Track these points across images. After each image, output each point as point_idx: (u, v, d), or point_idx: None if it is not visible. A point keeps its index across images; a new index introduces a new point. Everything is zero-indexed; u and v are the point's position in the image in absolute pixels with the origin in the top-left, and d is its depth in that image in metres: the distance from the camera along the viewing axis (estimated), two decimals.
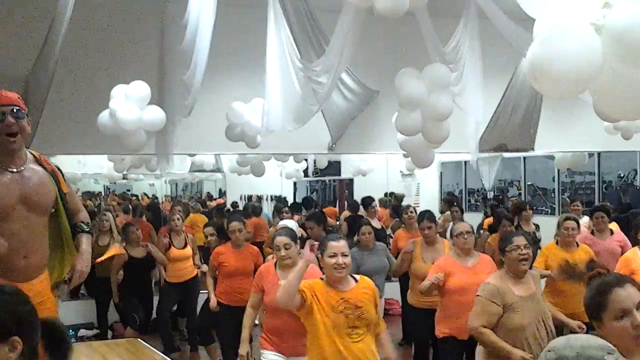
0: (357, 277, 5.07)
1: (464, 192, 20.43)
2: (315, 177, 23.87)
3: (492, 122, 10.94)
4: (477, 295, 5.32)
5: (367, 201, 12.54)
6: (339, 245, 4.86)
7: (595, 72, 4.12)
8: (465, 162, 19.47)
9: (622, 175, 18.70)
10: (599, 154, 16.56)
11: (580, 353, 2.09)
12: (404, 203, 15.88)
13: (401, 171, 19.60)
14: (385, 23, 9.60)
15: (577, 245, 7.86)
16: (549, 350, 2.15)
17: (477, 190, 20.51)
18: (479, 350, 5.42)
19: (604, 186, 18.19)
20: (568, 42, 4.08)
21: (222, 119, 9.93)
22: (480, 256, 6.86)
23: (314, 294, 4.82)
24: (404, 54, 10.32)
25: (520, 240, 5.32)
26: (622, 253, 8.06)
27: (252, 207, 15.69)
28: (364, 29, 7.80)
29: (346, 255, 4.85)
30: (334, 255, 4.80)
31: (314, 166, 20.72)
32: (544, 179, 19.40)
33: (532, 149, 11.90)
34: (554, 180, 18.19)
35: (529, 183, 19.57)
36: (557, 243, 7.93)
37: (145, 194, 19.76)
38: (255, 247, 8.85)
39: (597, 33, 4.10)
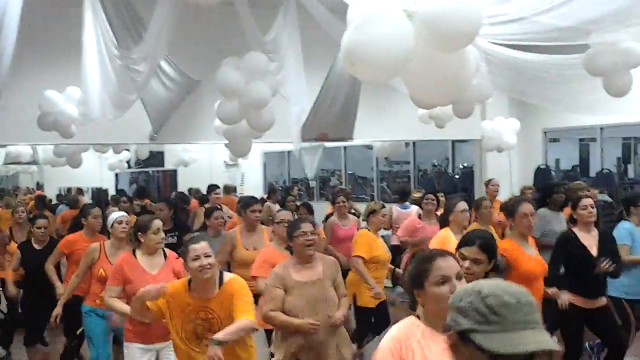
0: (227, 277, 4.94)
1: (287, 181, 20.68)
2: (138, 168, 23.40)
3: (312, 111, 11.11)
4: (266, 284, 5.44)
5: (212, 188, 12.53)
6: (201, 246, 4.76)
7: (407, 57, 4.27)
8: (289, 152, 19.74)
9: (436, 164, 19.60)
10: (414, 143, 17.24)
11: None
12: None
13: (225, 161, 19.59)
14: (206, 12, 9.51)
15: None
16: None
17: (301, 180, 20.84)
18: (274, 335, 5.52)
19: (419, 174, 18.97)
20: (380, 28, 4.21)
21: (35, 108, 9.51)
22: None
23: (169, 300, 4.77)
24: (226, 43, 10.29)
25: (307, 227, 5.42)
26: None
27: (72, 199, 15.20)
28: (185, 17, 7.71)
29: (209, 256, 4.77)
30: (197, 258, 4.72)
31: (136, 157, 20.27)
32: (363, 168, 19.98)
33: (351, 138, 12.20)
34: (373, 169, 18.76)
35: (350, 172, 20.10)
36: (368, 229, 8.15)
37: None
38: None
39: (409, 19, 4.24)
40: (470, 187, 15.55)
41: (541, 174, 14.38)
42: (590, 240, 6.56)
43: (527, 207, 5.95)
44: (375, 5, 4.35)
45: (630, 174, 16.32)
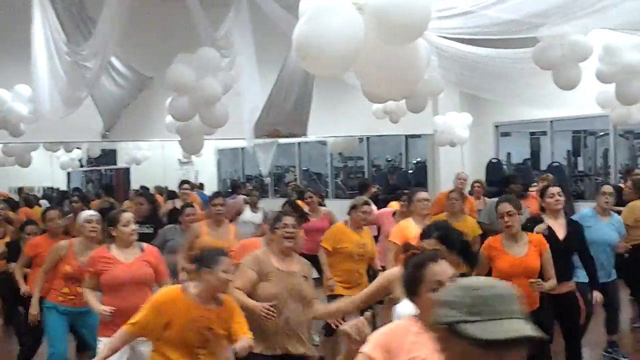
0: (223, 296, 4.90)
1: (241, 178, 20.62)
2: (90, 166, 23.12)
3: (266, 108, 11.10)
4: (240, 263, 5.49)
5: (181, 183, 12.69)
6: (227, 260, 4.77)
7: (358, 50, 4.29)
8: (243, 148, 19.67)
9: (389, 159, 19.71)
10: (368, 138, 17.31)
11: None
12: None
13: (179, 159, 19.45)
14: (158, 8, 9.46)
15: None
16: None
17: (255, 177, 20.80)
18: None
19: (373, 170, 19.06)
20: (331, 21, 4.23)
21: None
22: None
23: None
24: (178, 39, 10.22)
25: (289, 220, 5.51)
26: None
27: (26, 198, 15.09)
28: (136, 13, 7.65)
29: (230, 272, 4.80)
30: (227, 272, 4.73)
31: (87, 155, 20.03)
32: (318, 164, 20.02)
33: (305, 134, 12.20)
34: (327, 165, 18.79)
35: (305, 168, 20.11)
36: (345, 224, 8.23)
37: None
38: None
39: (359, 12, 4.27)
40: (423, 181, 15.66)
41: (493, 167, 14.56)
42: (557, 226, 6.68)
43: (504, 207, 6.09)
44: None
45: (580, 166, 16.59)
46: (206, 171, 20.37)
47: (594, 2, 4.60)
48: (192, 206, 9.05)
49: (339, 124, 13.32)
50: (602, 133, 15.27)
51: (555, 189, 6.79)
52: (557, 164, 14.59)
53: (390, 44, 4.32)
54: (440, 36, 7.80)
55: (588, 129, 16.34)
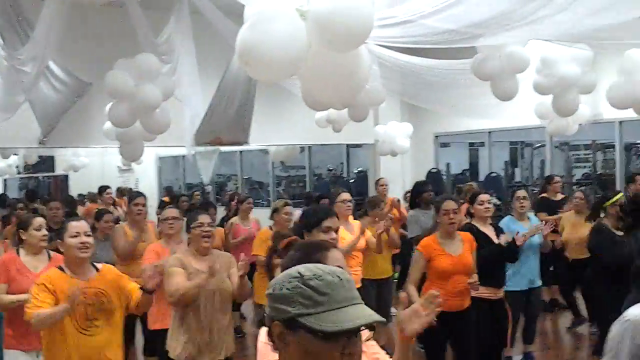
0: (99, 265, 4.89)
1: (182, 187, 20.48)
2: (27, 173, 22.70)
3: (207, 115, 11.04)
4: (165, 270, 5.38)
5: (102, 189, 12.67)
6: (81, 224, 4.72)
7: (301, 56, 4.31)
8: (184, 156, 19.53)
9: (331, 168, 19.80)
10: (309, 147, 17.37)
11: None
12: None
13: (118, 166, 19.25)
14: (98, 13, 9.36)
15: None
16: None
17: (197, 185, 20.68)
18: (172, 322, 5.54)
19: (315, 179, 19.12)
20: (274, 27, 4.25)
21: None
22: None
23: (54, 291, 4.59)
24: (118, 45, 10.13)
25: (204, 218, 5.48)
26: None
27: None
28: (76, 18, 7.56)
29: (89, 235, 4.71)
30: (77, 235, 4.64)
31: (24, 162, 19.66)
32: (260, 172, 19.99)
33: (247, 142, 12.17)
34: (269, 174, 18.79)
35: (246, 177, 20.07)
36: (270, 228, 8.20)
37: None
38: None
39: (302, 19, 4.29)
40: (364, 190, 15.78)
41: (433, 177, 14.72)
42: (488, 231, 6.77)
43: (449, 204, 6.14)
44: (269, 4, 4.38)
45: (518, 177, 16.90)
46: (147, 179, 20.17)
47: (530, 14, 4.70)
48: (110, 212, 8.86)
49: (281, 132, 13.35)
50: (538, 144, 15.59)
51: (485, 197, 6.87)
52: (495, 174, 14.83)
53: (333, 50, 4.36)
54: (381, 45, 7.89)
55: (525, 140, 16.66)
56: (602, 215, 7.14)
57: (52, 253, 5.88)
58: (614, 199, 7.10)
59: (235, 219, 10.13)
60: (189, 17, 8.46)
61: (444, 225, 6.14)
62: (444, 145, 16.38)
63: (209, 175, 18.59)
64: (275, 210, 8.21)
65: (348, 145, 17.02)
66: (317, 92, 4.89)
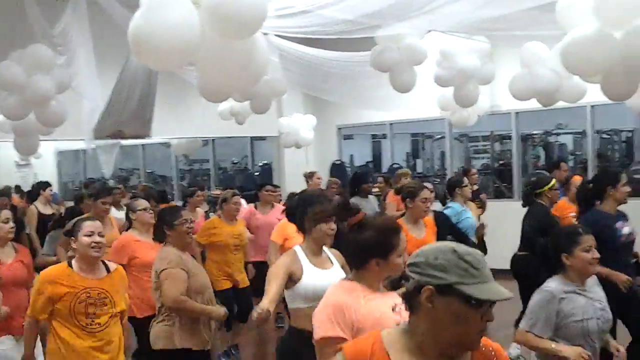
0: (113, 265, 5.00)
1: (83, 181, 20.02)
2: None
3: (107, 108, 10.83)
4: (163, 270, 5.31)
5: (43, 185, 12.34)
6: (96, 225, 4.82)
7: (195, 44, 4.28)
8: (84, 150, 19.11)
9: (235, 161, 19.69)
10: (213, 140, 17.24)
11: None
12: None
13: (16, 161, 18.68)
14: None
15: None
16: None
17: (98, 180, 20.25)
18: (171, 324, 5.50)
19: (220, 172, 18.99)
20: (167, 15, 4.20)
21: None
22: None
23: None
24: (12, 36, 9.79)
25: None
26: None
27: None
28: None
29: (102, 236, 4.81)
30: (91, 234, 4.73)
31: None
32: (163, 166, 19.72)
33: (149, 135, 12.00)
34: (172, 168, 18.56)
35: (149, 171, 19.77)
36: (219, 217, 8.50)
37: None
38: None
39: (196, 6, 4.26)
40: (269, 183, 15.71)
41: (336, 169, 14.85)
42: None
43: (426, 193, 6.50)
44: None
45: (419, 168, 17.19)
46: (45, 173, 19.61)
47: (425, 4, 4.79)
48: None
49: (183, 125, 13.17)
50: (438, 136, 15.90)
51: (427, 193, 6.96)
52: (397, 165, 15.05)
53: (227, 39, 4.33)
54: (281, 36, 7.91)
55: (426, 132, 16.97)
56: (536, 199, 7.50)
57: (17, 245, 6.00)
58: (550, 184, 7.43)
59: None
60: (85, 7, 8.24)
61: (419, 211, 6.45)
62: (347, 137, 16.53)
63: (111, 169, 18.22)
64: (224, 200, 8.38)
65: (252, 138, 16.96)
66: (212, 81, 4.86)
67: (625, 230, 5.92)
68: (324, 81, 9.83)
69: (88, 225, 4.77)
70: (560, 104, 8.64)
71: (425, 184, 7.14)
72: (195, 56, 4.38)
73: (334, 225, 4.52)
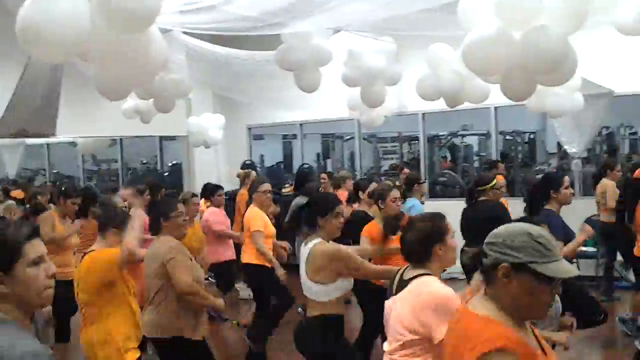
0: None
1: None
2: None
3: (10, 105, 10.54)
4: (172, 258, 5.33)
5: None
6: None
7: (83, 36, 4.18)
8: None
9: (145, 162, 19.41)
10: (121, 140, 16.97)
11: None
12: None
13: None
14: None
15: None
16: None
17: (2, 180, 19.69)
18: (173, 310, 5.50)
19: (129, 172, 18.71)
20: (55, 5, 4.10)
21: None
22: None
23: None
24: None
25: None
26: None
27: None
28: None
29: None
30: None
31: None
32: (69, 166, 19.31)
33: (54, 134, 11.73)
34: (79, 168, 18.20)
35: (55, 171, 19.33)
36: None
37: None
38: None
39: None
40: (179, 183, 15.60)
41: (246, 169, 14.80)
42: None
43: (395, 193, 7.02)
44: None
45: (329, 168, 17.32)
46: None
47: (327, 2, 4.82)
48: None
49: (90, 123, 12.89)
50: (348, 137, 16.04)
51: (396, 193, 7.21)
52: (308, 165, 15.12)
53: (119, 31, 4.25)
54: (187, 33, 7.85)
55: (336, 132, 17.09)
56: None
57: None
58: (493, 182, 7.61)
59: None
60: None
61: (391, 211, 6.87)
62: (258, 137, 16.52)
63: (15, 169, 17.77)
64: (184, 202, 8.24)
65: (161, 138, 16.76)
66: (106, 76, 4.78)
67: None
68: (232, 81, 9.79)
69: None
70: (466, 105, 8.84)
71: (394, 191, 7.37)
72: (85, 49, 4.28)
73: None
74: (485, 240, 2.64)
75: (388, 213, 6.87)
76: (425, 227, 3.84)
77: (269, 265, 7.87)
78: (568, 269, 2.52)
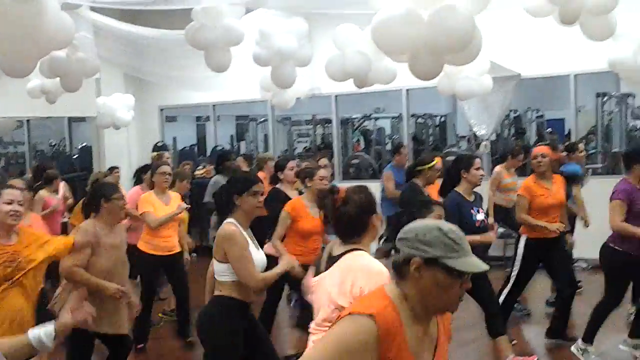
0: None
1: None
2: None
3: None
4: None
5: None
6: (16, 193, 4.83)
7: None
8: None
9: (53, 144, 18.93)
10: (28, 121, 16.50)
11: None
12: None
13: None
14: None
15: None
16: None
17: None
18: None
19: (37, 154, 18.23)
20: None
21: None
22: None
23: None
24: None
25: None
26: None
27: None
28: None
29: (22, 205, 4.82)
30: (10, 202, 4.75)
31: None
32: None
33: None
34: None
35: None
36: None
37: None
38: None
39: None
40: (89, 165, 15.25)
41: (159, 151, 14.58)
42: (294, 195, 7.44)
43: (324, 172, 7.04)
44: None
45: (243, 151, 17.23)
46: None
47: None
48: None
49: None
50: (262, 119, 15.96)
51: (324, 172, 7.20)
52: (222, 147, 15.00)
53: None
54: (96, 10, 7.66)
55: (250, 114, 17.00)
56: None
57: None
58: (432, 163, 7.67)
59: (44, 192, 9.44)
60: None
61: (320, 187, 6.74)
62: (171, 119, 16.29)
63: None
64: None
65: (70, 119, 16.35)
66: (2, 50, 4.61)
67: (479, 216, 6.27)
68: (142, 60, 9.60)
69: (7, 194, 4.80)
70: (378, 87, 8.89)
71: (323, 170, 7.39)
72: None
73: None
74: (398, 236, 2.66)
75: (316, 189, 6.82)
76: (361, 199, 3.83)
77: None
78: (478, 264, 2.57)
